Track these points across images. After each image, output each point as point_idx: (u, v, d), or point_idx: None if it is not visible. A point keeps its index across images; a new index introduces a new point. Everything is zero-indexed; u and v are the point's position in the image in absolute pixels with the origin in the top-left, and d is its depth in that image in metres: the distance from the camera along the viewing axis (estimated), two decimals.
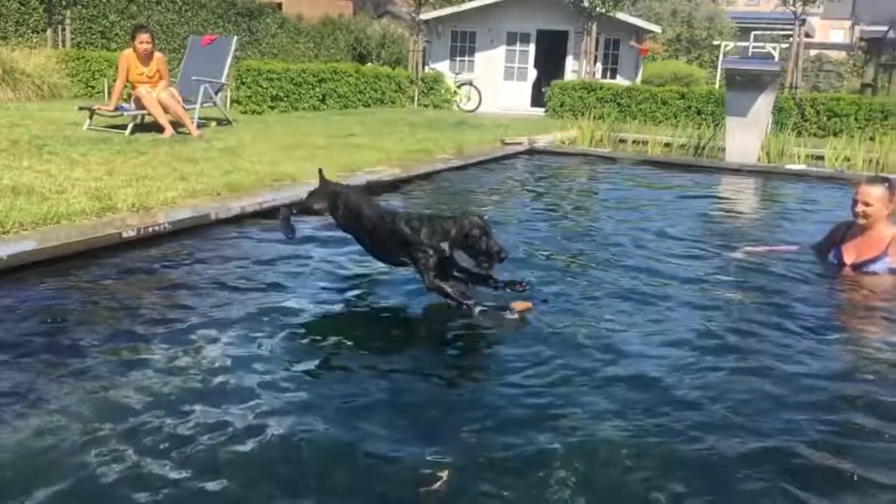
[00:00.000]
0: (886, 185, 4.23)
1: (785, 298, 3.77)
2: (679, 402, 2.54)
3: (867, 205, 4.17)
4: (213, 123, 9.88)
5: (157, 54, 8.80)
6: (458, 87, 18.40)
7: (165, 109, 8.53)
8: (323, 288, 3.61)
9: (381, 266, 3.70)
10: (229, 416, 2.31)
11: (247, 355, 2.77)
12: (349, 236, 3.72)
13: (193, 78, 9.33)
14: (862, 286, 4.12)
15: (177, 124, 8.66)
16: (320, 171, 3.88)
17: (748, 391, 2.65)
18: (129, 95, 8.91)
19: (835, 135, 12.34)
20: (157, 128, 8.51)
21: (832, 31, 41.21)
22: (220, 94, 10.01)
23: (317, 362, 2.81)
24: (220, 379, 2.57)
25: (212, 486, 1.96)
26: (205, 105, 9.37)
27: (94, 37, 15.86)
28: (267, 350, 2.85)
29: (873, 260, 4.18)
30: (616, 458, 2.17)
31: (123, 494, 1.90)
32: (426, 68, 18.99)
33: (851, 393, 2.72)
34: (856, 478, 2.13)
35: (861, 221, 4.22)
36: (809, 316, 3.53)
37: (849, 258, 4.29)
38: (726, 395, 2.61)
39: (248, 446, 2.15)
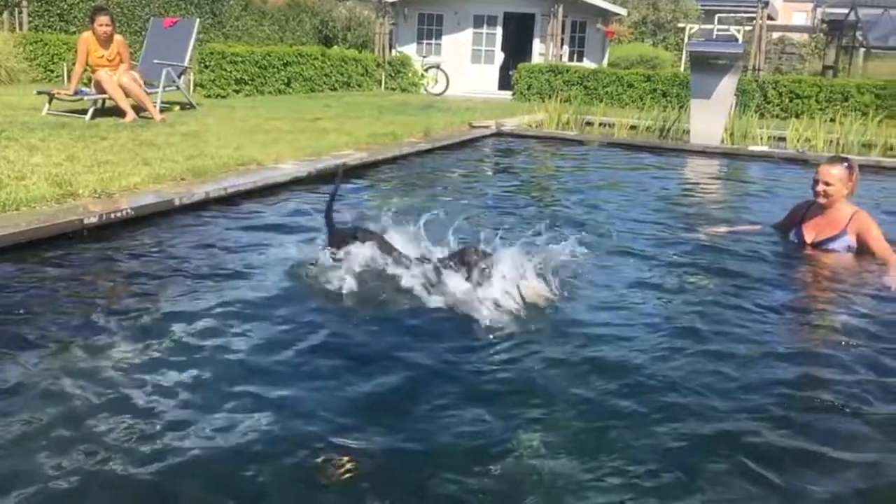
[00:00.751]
0: (846, 165, 4.31)
1: (747, 279, 3.84)
2: (642, 386, 2.56)
3: (828, 185, 4.26)
4: (177, 107, 9.73)
5: (118, 37, 8.62)
6: (426, 70, 18.32)
7: (127, 93, 8.38)
8: (289, 275, 3.53)
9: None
10: (189, 410, 2.26)
11: (211, 346, 2.72)
12: (317, 223, 3.69)
13: (155, 61, 9.17)
14: (822, 265, 4.21)
15: (139, 109, 8.52)
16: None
17: (711, 372, 2.69)
18: (89, 79, 8.74)
19: (796, 116, 12.55)
20: (118, 112, 8.36)
21: (795, 14, 41.71)
22: (182, 77, 9.85)
23: (283, 352, 2.74)
24: (181, 372, 2.50)
25: (170, 483, 1.93)
26: (167, 89, 9.22)
27: (52, 19, 15.50)
28: (231, 341, 2.79)
29: (833, 238, 4.27)
30: (580, 443, 2.18)
31: (79, 493, 1.85)
32: (393, 51, 18.87)
33: (812, 372, 2.78)
34: (819, 455, 2.18)
35: (822, 201, 4.30)
36: (771, 296, 3.60)
37: (809, 237, 4.37)
38: (689, 377, 2.64)
39: (212, 442, 2.10)
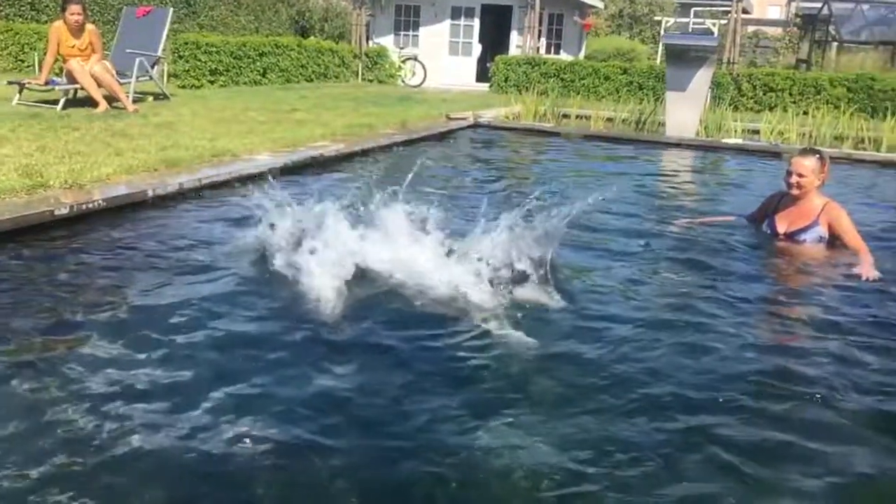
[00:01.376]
0: (818, 156, 4.37)
1: (720, 269, 3.88)
2: (614, 378, 2.56)
3: (801, 176, 4.31)
4: (150, 98, 9.62)
5: (90, 26, 8.50)
6: (403, 61, 18.25)
7: (99, 83, 8.27)
8: (263, 268, 3.45)
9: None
10: (157, 406, 2.22)
11: (182, 341, 2.67)
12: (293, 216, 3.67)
13: (128, 51, 9.04)
14: (794, 255, 4.26)
15: (111, 99, 8.41)
16: None
17: (683, 364, 2.71)
18: (61, 69, 8.61)
19: (770, 109, 12.66)
20: (90, 102, 8.25)
21: (770, 8, 42.07)
22: (156, 67, 9.74)
23: (256, 346, 2.69)
24: (151, 367, 2.46)
25: (138, 481, 1.90)
26: (140, 79, 9.10)
27: (22, 8, 15.22)
28: (204, 334, 2.74)
29: (805, 229, 4.33)
30: (553, 440, 2.18)
31: (38, 489, 1.82)
32: (370, 43, 18.77)
33: (784, 363, 2.80)
34: (790, 446, 2.21)
35: (795, 192, 4.36)
36: (744, 286, 3.63)
37: (781, 227, 4.43)
38: (662, 368, 2.65)
39: (182, 439, 2.06)
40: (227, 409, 2.23)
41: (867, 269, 3.91)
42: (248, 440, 2.08)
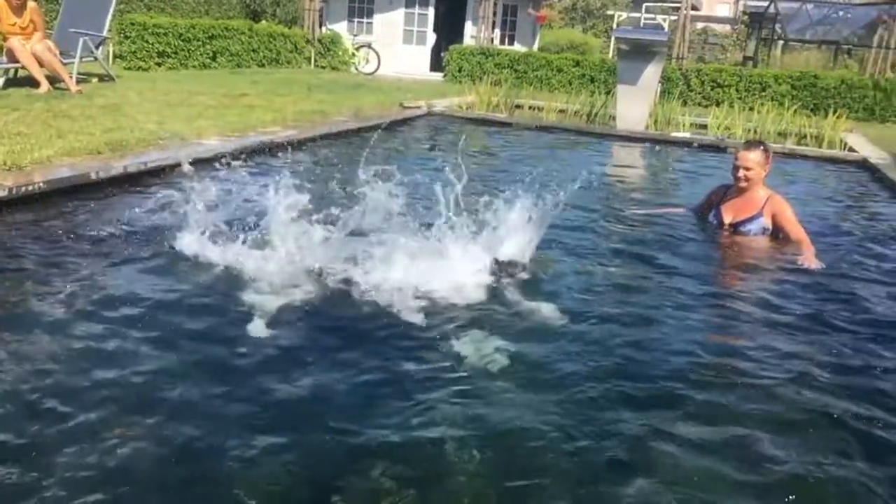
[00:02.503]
0: (762, 148, 4.48)
1: (666, 261, 3.94)
2: (560, 373, 2.57)
3: (748, 169, 4.41)
4: (94, 79, 9.36)
5: (31, 4, 8.23)
6: (357, 49, 18.09)
7: (40, 63, 8.02)
8: (206, 254, 3.39)
9: (267, 232, 3.59)
10: (88, 409, 2.12)
11: (122, 333, 2.58)
12: (240, 200, 3.61)
13: (71, 30, 8.77)
14: (739, 247, 4.37)
15: (54, 79, 8.16)
16: None
17: (629, 358, 2.73)
18: (1, 48, 8.31)
19: (717, 104, 12.91)
20: (31, 83, 7.99)
21: (718, 6, 42.86)
22: (101, 48, 9.47)
23: (194, 339, 2.61)
24: (87, 363, 2.36)
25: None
26: (84, 59, 8.85)
27: None
28: (146, 329, 2.64)
29: (749, 219, 4.44)
30: (510, 426, 2.20)
31: None
32: (323, 29, 18.54)
33: (727, 355, 2.88)
34: (733, 415, 2.32)
35: (743, 185, 4.46)
36: (690, 279, 3.70)
37: (727, 218, 4.53)
38: (609, 363, 2.67)
39: (113, 449, 1.98)
40: (160, 409, 2.16)
41: (811, 259, 4.03)
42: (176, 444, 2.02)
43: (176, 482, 1.89)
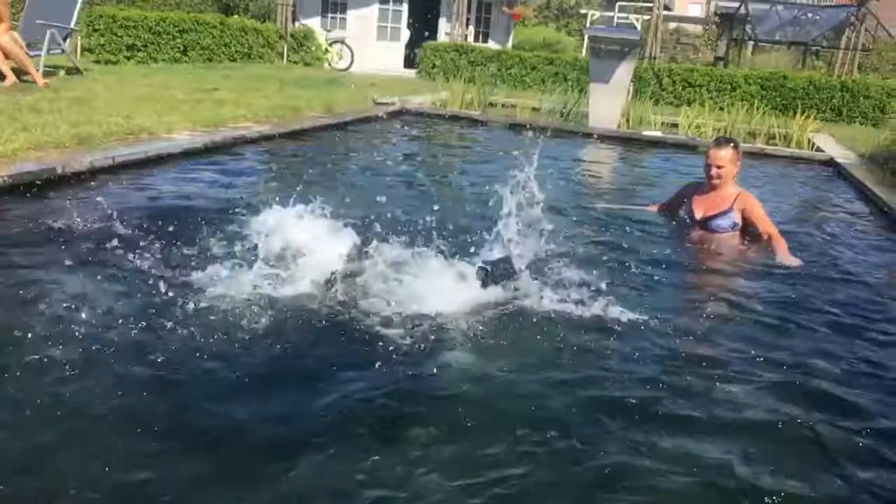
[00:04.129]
0: (732, 145, 4.54)
1: (639, 255, 3.96)
2: (531, 367, 2.57)
3: (720, 167, 4.46)
4: (62, 72, 9.20)
5: None
6: (330, 45, 17.98)
7: (6, 55, 7.85)
8: (174, 250, 3.33)
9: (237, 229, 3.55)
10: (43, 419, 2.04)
11: (84, 336, 2.49)
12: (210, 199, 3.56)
13: (38, 22, 8.60)
14: (707, 243, 4.41)
15: (20, 72, 8.00)
16: None
17: (603, 347, 2.75)
18: None
19: (689, 104, 13.02)
20: None
21: (690, 6, 43.26)
22: (68, 40, 9.31)
23: (163, 338, 2.53)
24: (45, 364, 2.28)
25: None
26: (52, 52, 8.70)
27: None
28: (108, 331, 2.54)
29: (720, 215, 4.49)
30: (476, 427, 2.18)
31: None
32: (296, 24, 18.40)
33: (698, 342, 2.90)
34: (697, 413, 2.32)
35: (716, 182, 4.51)
36: (662, 270, 3.72)
37: (699, 213, 4.58)
38: (571, 352, 2.67)
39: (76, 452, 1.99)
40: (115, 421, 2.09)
41: (787, 256, 4.09)
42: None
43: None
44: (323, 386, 2.32)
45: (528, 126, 9.02)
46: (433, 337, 2.69)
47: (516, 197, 3.43)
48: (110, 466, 1.86)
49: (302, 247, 3.22)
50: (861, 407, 2.49)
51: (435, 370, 2.47)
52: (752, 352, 2.83)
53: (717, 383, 2.56)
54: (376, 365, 2.44)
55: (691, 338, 2.96)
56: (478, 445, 2.07)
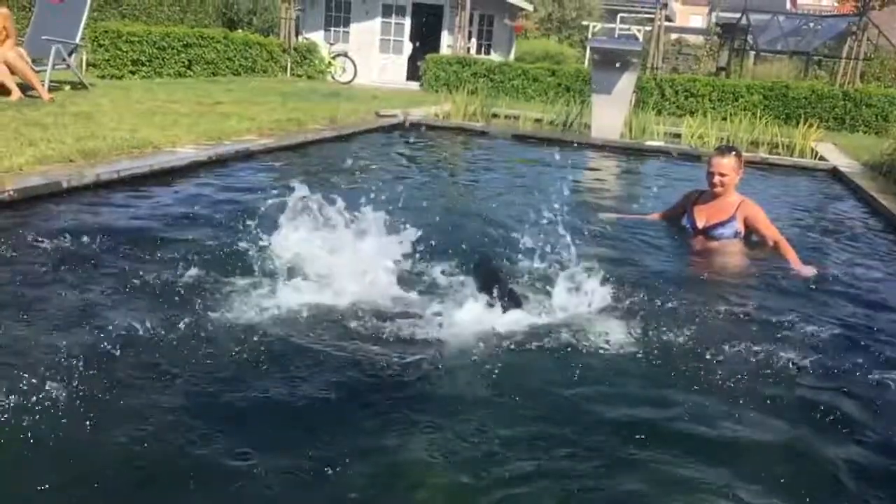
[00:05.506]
0: (735, 153, 4.55)
1: (641, 264, 3.96)
2: (531, 376, 2.56)
3: (722, 175, 4.47)
4: (67, 87, 9.26)
5: (2, 10, 8.14)
6: (333, 58, 18.08)
7: (12, 70, 7.93)
8: (178, 263, 3.32)
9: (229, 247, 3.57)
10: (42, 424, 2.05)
11: (89, 351, 2.47)
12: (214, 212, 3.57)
13: (44, 37, 8.67)
14: (710, 252, 4.41)
15: (25, 87, 8.07)
16: None
17: (606, 360, 2.72)
18: None
19: (691, 114, 13.06)
20: (2, 90, 7.88)
21: (692, 17, 43.45)
22: (73, 55, 9.38)
23: (162, 354, 2.52)
24: (46, 381, 2.24)
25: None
26: (57, 67, 8.76)
27: None
28: (112, 343, 2.53)
29: (722, 224, 4.49)
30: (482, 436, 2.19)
31: None
32: (299, 38, 18.51)
33: (705, 353, 2.86)
34: (696, 436, 2.27)
35: (719, 191, 4.51)
36: (665, 280, 3.70)
37: (700, 222, 4.58)
38: (570, 366, 2.64)
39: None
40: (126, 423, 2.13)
41: (799, 264, 4.09)
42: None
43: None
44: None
45: (534, 138, 9.04)
46: (436, 353, 2.68)
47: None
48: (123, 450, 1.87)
49: (311, 256, 3.24)
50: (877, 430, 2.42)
51: (435, 386, 2.47)
52: (762, 368, 2.78)
53: (719, 401, 2.50)
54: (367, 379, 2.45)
55: (690, 354, 2.88)
56: (484, 452, 2.08)
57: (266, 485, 1.88)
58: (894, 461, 2.23)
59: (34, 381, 2.21)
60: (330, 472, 1.94)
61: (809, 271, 4.04)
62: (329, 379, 2.42)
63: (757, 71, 20.51)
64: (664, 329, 3.03)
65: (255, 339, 2.64)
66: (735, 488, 2.00)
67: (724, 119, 11.37)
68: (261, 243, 3.43)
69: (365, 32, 20.06)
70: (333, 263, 3.21)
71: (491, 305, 2.99)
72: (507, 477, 1.97)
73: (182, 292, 3.03)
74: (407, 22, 20.04)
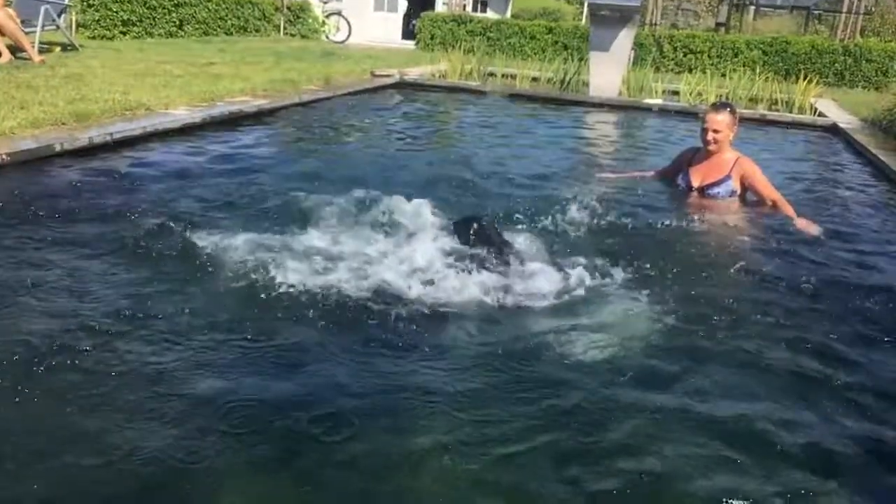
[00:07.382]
0: (729, 110, 4.49)
1: (637, 224, 3.92)
2: (530, 347, 2.51)
3: (716, 132, 4.42)
4: (57, 49, 9.12)
5: None
6: (327, 17, 17.80)
7: (1, 32, 7.78)
8: (180, 233, 3.25)
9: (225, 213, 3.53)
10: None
11: (80, 311, 2.49)
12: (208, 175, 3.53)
13: None
14: (706, 210, 4.36)
15: (15, 49, 7.94)
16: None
17: (588, 326, 2.67)
18: None
19: (690, 71, 12.92)
20: None
21: None
22: (63, 16, 9.22)
23: (162, 320, 2.49)
24: (48, 348, 2.25)
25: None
26: (47, 28, 8.62)
27: None
28: (108, 310, 2.52)
29: (718, 182, 4.46)
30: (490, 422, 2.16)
31: None
32: None
33: (697, 317, 2.83)
34: (698, 388, 2.28)
35: (713, 147, 4.46)
36: (661, 241, 3.69)
37: (696, 181, 4.55)
38: (563, 328, 2.61)
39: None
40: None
41: (801, 222, 4.07)
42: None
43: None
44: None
45: (533, 97, 8.95)
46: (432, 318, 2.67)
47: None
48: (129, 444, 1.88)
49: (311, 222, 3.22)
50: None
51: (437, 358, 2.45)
52: (763, 334, 2.76)
53: (713, 359, 2.49)
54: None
55: (686, 318, 2.82)
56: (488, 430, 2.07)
57: (262, 477, 1.85)
58: None
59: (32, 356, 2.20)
60: (327, 464, 1.93)
61: (808, 225, 4.03)
62: (328, 364, 2.38)
63: (757, 26, 20.27)
64: (663, 295, 2.97)
65: (244, 310, 2.59)
66: (750, 467, 1.96)
67: (724, 75, 11.25)
68: (260, 206, 3.40)
69: None
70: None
71: (487, 269, 2.97)
72: (513, 458, 1.95)
73: (174, 255, 3.01)
74: None
